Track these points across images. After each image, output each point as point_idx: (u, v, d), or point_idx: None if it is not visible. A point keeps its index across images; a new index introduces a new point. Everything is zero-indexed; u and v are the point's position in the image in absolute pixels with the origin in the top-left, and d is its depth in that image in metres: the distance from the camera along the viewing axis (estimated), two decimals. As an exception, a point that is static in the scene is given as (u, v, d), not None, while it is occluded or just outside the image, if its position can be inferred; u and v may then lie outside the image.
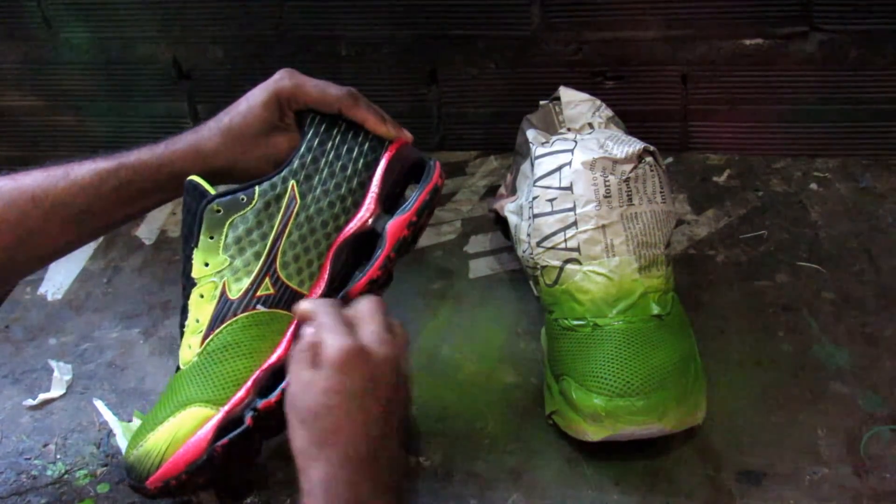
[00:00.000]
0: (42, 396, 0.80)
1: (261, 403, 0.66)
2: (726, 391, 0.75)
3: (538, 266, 0.75)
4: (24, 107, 1.13)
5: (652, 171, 0.74)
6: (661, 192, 0.75)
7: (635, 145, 0.75)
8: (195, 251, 0.68)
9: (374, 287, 0.69)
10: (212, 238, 0.68)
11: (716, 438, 0.71)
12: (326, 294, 0.69)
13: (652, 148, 0.75)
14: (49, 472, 0.73)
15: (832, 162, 1.01)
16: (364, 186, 0.71)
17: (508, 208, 0.85)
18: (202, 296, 0.68)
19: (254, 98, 0.71)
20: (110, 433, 0.76)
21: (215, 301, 0.68)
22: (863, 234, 0.91)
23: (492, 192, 1.00)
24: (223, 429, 0.65)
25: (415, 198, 0.71)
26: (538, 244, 0.75)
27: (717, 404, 0.73)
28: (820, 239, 0.91)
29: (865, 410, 0.73)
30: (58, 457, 0.74)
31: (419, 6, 1.01)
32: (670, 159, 1.03)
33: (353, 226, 0.70)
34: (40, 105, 1.13)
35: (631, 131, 0.83)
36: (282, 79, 0.71)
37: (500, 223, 0.90)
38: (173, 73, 1.08)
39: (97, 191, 0.68)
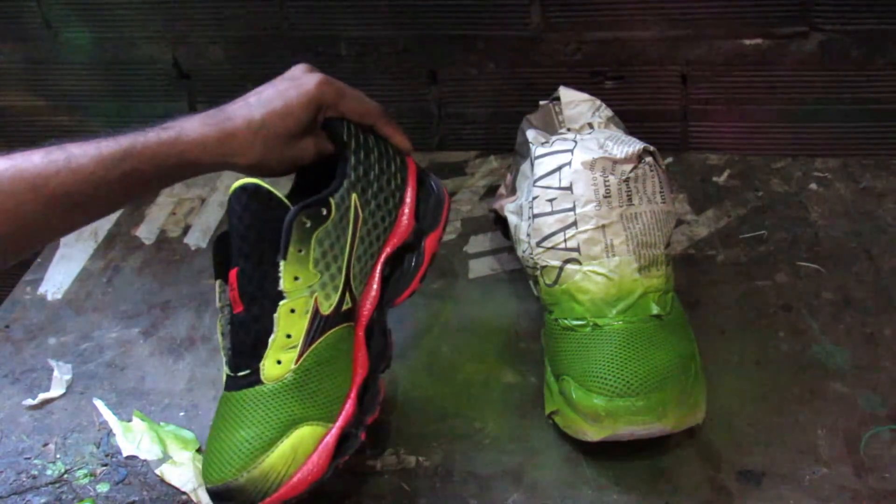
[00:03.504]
0: (42, 396, 0.80)
1: (368, 419, 0.68)
2: (726, 391, 0.75)
3: (538, 266, 0.75)
4: (24, 107, 1.13)
5: (652, 171, 0.74)
6: (661, 192, 0.75)
7: (635, 145, 0.75)
8: (284, 264, 0.66)
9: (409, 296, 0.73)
10: (300, 252, 0.66)
11: (716, 438, 0.71)
12: (376, 306, 0.71)
13: (652, 148, 0.75)
14: (49, 472, 0.73)
15: (832, 162, 1.01)
16: (402, 201, 0.74)
17: (508, 208, 0.85)
18: (293, 311, 0.66)
19: (291, 99, 0.69)
20: (110, 433, 0.76)
21: (308, 317, 0.66)
22: (863, 234, 0.91)
23: (492, 192, 1.00)
24: (338, 445, 0.66)
25: (440, 215, 0.76)
26: (538, 244, 0.75)
27: (717, 404, 0.73)
28: (820, 239, 0.91)
29: (865, 410, 0.73)
30: (57, 456, 0.74)
31: (419, 6, 1.01)
32: (670, 159, 1.03)
33: (396, 239, 0.72)
34: (40, 105, 1.13)
35: (631, 131, 0.83)
36: (321, 83, 0.70)
37: (500, 223, 0.90)
38: (173, 73, 1.09)
39: (101, 179, 0.66)
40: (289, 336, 0.66)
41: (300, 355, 0.66)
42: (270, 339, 0.65)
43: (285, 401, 0.65)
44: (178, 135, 0.67)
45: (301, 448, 0.64)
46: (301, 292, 0.66)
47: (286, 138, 0.69)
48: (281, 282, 0.66)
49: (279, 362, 0.65)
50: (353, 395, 0.68)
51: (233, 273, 0.67)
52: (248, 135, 0.68)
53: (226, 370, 0.68)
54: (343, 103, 0.71)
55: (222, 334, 0.69)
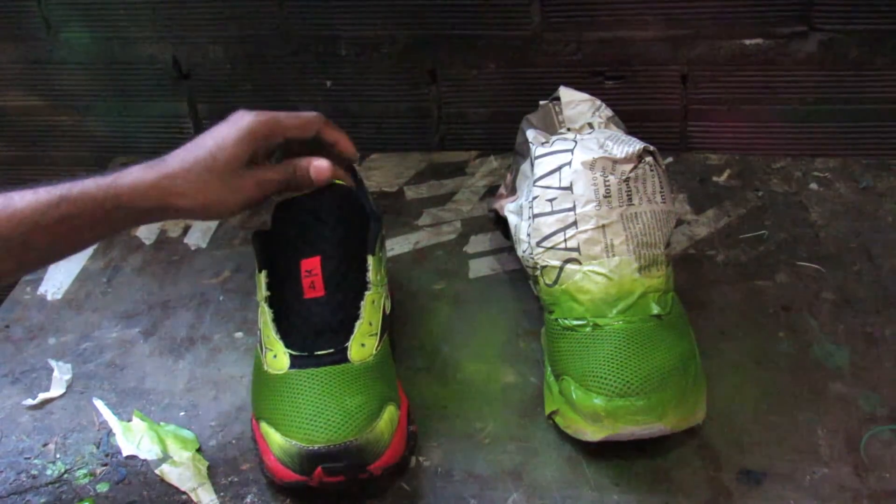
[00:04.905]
0: (42, 396, 0.80)
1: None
2: (726, 391, 0.75)
3: (538, 266, 0.75)
4: (24, 107, 1.13)
5: (652, 171, 0.74)
6: (661, 192, 0.75)
7: (635, 145, 0.75)
8: (372, 259, 0.73)
9: None
10: (380, 253, 0.75)
11: (716, 438, 0.71)
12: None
13: (652, 148, 0.75)
14: (49, 472, 0.73)
15: (832, 162, 1.01)
16: None
17: (508, 208, 0.85)
18: (374, 302, 0.72)
19: (227, 136, 0.70)
20: (110, 433, 0.76)
21: (381, 312, 0.73)
22: (863, 234, 0.91)
23: (492, 192, 1.00)
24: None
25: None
26: (538, 244, 0.75)
27: (717, 404, 0.73)
28: (820, 239, 0.91)
29: (865, 410, 0.73)
30: (57, 456, 0.74)
31: (419, 6, 1.01)
32: (670, 159, 1.03)
33: None
34: (40, 105, 1.13)
35: (631, 131, 0.83)
36: (254, 116, 0.70)
37: (500, 223, 0.90)
38: (173, 73, 1.09)
39: (35, 224, 0.65)
40: (371, 324, 0.72)
41: (378, 343, 0.72)
42: (357, 324, 0.71)
43: (374, 379, 0.70)
44: (113, 179, 0.67)
45: (392, 422, 0.68)
46: (380, 287, 0.73)
47: (223, 175, 0.69)
48: (369, 274, 0.73)
49: (363, 345, 0.71)
50: (401, 390, 0.73)
51: (311, 261, 0.72)
52: (184, 174, 0.68)
53: (285, 351, 0.70)
54: (281, 127, 0.71)
55: (273, 320, 0.71)
